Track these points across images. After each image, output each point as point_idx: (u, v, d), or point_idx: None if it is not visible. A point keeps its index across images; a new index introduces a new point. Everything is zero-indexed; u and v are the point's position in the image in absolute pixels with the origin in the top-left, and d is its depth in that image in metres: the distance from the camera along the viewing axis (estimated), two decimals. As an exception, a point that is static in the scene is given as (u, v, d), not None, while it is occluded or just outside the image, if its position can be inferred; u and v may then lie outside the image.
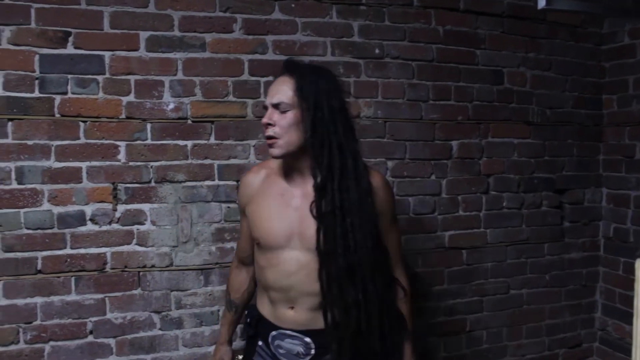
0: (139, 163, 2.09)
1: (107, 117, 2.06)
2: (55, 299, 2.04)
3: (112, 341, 2.10)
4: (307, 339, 1.63)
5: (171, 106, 2.11)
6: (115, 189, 2.07)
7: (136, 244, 2.10)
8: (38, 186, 2.01)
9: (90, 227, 2.06)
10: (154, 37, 2.10)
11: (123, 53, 2.07)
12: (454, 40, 2.48)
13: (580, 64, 2.76)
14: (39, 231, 2.01)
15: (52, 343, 2.04)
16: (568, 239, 2.79)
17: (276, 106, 1.56)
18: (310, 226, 1.56)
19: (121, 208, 2.08)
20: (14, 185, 1.99)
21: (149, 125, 2.10)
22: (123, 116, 2.07)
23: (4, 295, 1.99)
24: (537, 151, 2.69)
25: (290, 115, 1.55)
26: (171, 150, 2.11)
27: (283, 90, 1.56)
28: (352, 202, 1.54)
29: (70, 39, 2.03)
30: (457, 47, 2.49)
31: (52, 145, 2.02)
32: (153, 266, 2.11)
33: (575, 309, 2.84)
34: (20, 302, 2.01)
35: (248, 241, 1.79)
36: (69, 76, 2.03)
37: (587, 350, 2.89)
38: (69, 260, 2.04)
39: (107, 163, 2.06)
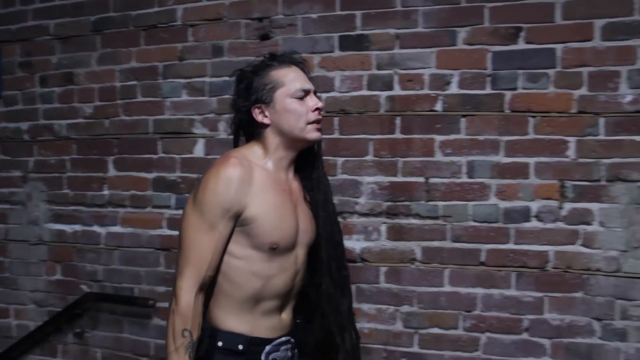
0: (589, 160, 1.97)
1: (557, 112, 2.00)
2: (495, 292, 2.05)
3: (547, 342, 2.03)
4: (292, 339, 1.59)
5: (628, 99, 1.94)
6: (562, 186, 1.99)
7: (581, 245, 1.99)
8: (487, 180, 2.04)
9: (534, 223, 2.03)
10: (610, 24, 1.96)
11: (576, 44, 1.98)
12: None
13: None
14: (484, 224, 2.04)
15: (488, 334, 2.06)
16: None
17: (315, 92, 1.58)
18: (305, 219, 1.60)
19: (567, 206, 2.00)
20: (464, 179, 2.05)
21: (601, 120, 1.96)
22: (574, 110, 1.99)
23: (449, 283, 2.07)
24: None
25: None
26: (626, 146, 1.95)
27: (307, 78, 1.58)
28: (329, 191, 1.68)
29: (522, 34, 2.01)
30: None
31: (502, 140, 2.02)
32: (598, 270, 1.97)
33: None
34: (462, 290, 2.06)
35: (220, 255, 1.48)
36: (520, 71, 2.01)
37: None
38: (511, 255, 2.04)
39: (555, 159, 2.00)
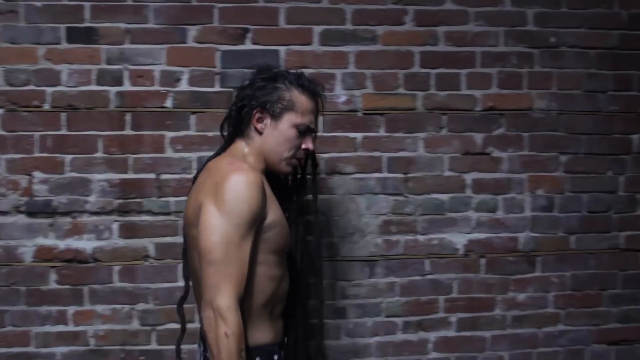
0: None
1: (282, 110, 2.11)
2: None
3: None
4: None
5: (342, 99, 2.13)
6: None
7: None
8: (218, 176, 2.10)
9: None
10: (327, 31, 2.13)
11: (297, 47, 2.13)
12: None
13: None
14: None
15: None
16: None
17: (315, 135, 1.65)
18: None
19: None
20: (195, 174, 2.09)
21: (320, 118, 2.11)
22: (296, 109, 2.11)
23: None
24: None
25: None
26: (342, 142, 2.14)
27: (316, 118, 1.65)
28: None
29: (249, 35, 2.10)
30: (642, 32, 2.30)
31: (231, 137, 2.10)
32: (322, 256, 2.14)
33: None
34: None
35: (247, 265, 1.42)
36: (247, 70, 2.09)
37: None
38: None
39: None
